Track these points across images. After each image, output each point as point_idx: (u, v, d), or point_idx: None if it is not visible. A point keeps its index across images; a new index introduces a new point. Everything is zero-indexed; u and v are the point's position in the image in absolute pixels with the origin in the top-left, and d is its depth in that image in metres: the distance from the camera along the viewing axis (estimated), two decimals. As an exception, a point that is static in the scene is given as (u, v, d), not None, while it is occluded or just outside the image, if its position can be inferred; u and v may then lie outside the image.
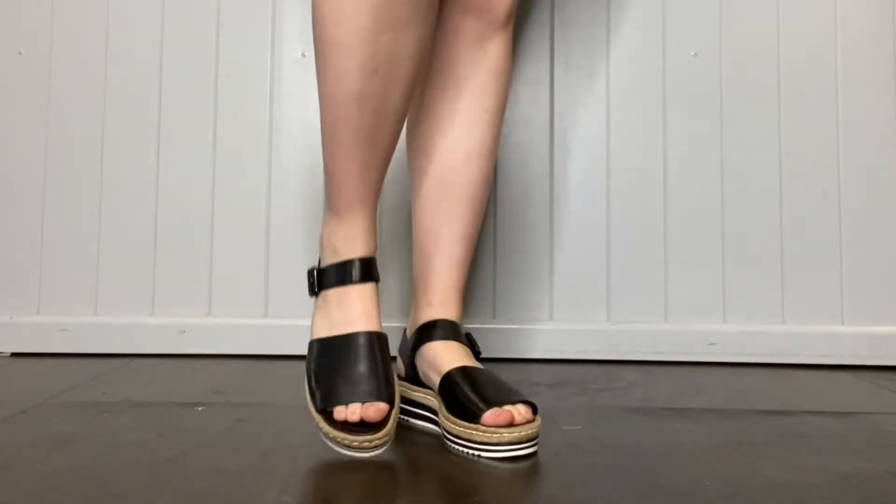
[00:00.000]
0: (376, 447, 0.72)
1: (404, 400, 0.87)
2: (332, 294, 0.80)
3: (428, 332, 0.86)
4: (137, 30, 1.33)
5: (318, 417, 0.74)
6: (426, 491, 0.67)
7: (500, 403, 0.76)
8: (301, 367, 0.81)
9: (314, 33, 0.77)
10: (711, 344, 1.27)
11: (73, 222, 1.31)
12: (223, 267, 1.31)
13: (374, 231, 0.82)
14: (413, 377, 0.88)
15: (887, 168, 1.30)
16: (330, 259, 0.81)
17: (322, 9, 0.75)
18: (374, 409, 0.72)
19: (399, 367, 0.91)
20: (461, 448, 0.76)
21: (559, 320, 1.30)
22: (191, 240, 1.31)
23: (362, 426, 0.71)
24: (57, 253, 1.31)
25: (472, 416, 0.75)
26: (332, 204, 0.81)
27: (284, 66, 1.32)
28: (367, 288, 0.80)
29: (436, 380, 0.82)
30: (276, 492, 0.65)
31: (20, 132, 1.32)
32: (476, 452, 0.75)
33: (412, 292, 0.92)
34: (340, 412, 0.73)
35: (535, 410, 0.78)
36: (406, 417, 0.88)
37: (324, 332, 0.79)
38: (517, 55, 1.32)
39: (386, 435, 0.72)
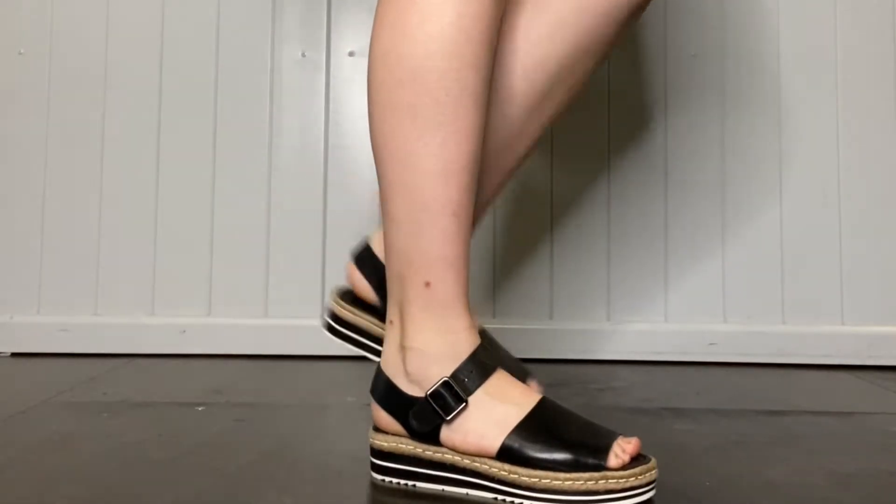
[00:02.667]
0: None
1: (350, 325, 0.82)
2: (492, 384, 0.67)
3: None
4: (137, 30, 1.32)
5: (587, 477, 0.61)
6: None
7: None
8: (301, 366, 0.80)
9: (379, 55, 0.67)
10: (711, 344, 1.27)
11: (73, 222, 1.31)
12: (223, 267, 1.31)
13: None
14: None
15: (887, 168, 1.30)
16: (460, 357, 0.67)
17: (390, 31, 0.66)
18: (629, 445, 0.64)
19: (362, 287, 0.82)
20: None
21: (559, 320, 1.30)
22: (191, 240, 1.31)
23: None
24: (57, 253, 1.31)
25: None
26: (441, 298, 0.68)
27: (284, 66, 1.32)
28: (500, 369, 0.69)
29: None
30: (276, 492, 0.65)
31: (20, 132, 1.32)
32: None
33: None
34: (613, 456, 0.63)
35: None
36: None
37: (516, 415, 0.65)
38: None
39: (653, 466, 0.64)
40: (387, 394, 0.69)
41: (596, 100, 1.32)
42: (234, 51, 1.32)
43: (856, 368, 1.24)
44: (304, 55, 1.32)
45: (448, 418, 0.65)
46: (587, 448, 0.63)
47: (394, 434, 0.69)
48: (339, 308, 0.82)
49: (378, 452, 0.69)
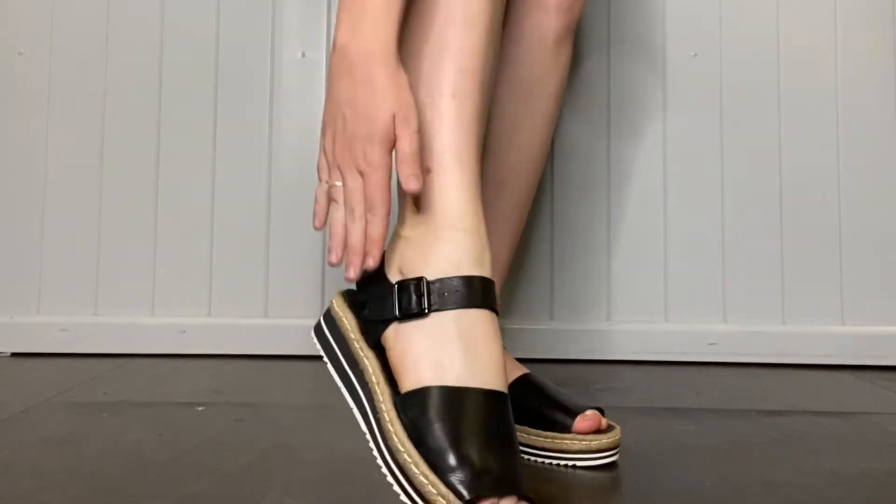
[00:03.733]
0: None
1: None
2: (453, 319, 0.58)
3: None
4: (137, 30, 1.32)
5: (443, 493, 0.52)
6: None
7: (579, 411, 0.73)
8: (301, 366, 0.81)
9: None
10: (711, 344, 1.27)
11: (73, 222, 1.31)
12: (223, 267, 1.31)
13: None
14: None
15: (887, 168, 1.30)
16: (446, 268, 0.60)
17: None
18: None
19: None
20: (549, 461, 0.73)
21: (559, 320, 1.30)
22: (191, 240, 1.31)
23: None
24: (57, 253, 1.31)
25: (560, 426, 0.72)
26: (447, 195, 0.61)
27: (284, 66, 1.32)
28: (495, 321, 0.61)
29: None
30: (276, 492, 0.65)
31: (20, 132, 1.32)
32: (571, 463, 0.72)
33: None
34: None
35: (603, 414, 0.75)
36: None
37: (445, 377, 0.57)
38: (517, 55, 1.32)
39: None
40: (367, 279, 0.63)
41: (596, 100, 1.32)
42: (234, 51, 1.32)
43: (856, 368, 1.24)
44: (304, 55, 1.32)
45: (399, 316, 0.59)
46: (471, 468, 0.53)
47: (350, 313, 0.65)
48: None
49: (327, 313, 0.66)
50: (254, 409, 0.94)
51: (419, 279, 0.59)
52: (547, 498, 0.66)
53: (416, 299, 0.59)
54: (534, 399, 0.75)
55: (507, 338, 1.28)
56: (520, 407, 0.75)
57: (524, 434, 0.74)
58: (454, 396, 0.56)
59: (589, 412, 0.73)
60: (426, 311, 0.58)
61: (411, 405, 0.56)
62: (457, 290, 0.59)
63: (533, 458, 0.74)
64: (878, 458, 0.77)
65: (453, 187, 0.61)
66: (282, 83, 1.32)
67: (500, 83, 0.85)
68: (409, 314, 0.59)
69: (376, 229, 0.59)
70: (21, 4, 1.33)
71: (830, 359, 1.26)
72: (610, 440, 0.72)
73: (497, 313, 0.61)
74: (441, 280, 0.59)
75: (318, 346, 0.66)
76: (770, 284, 1.29)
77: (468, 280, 0.59)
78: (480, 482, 0.52)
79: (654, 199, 1.31)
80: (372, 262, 0.59)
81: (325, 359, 0.66)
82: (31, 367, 1.21)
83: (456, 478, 0.52)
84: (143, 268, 1.31)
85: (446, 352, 0.57)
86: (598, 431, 0.73)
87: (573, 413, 0.73)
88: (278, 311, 1.30)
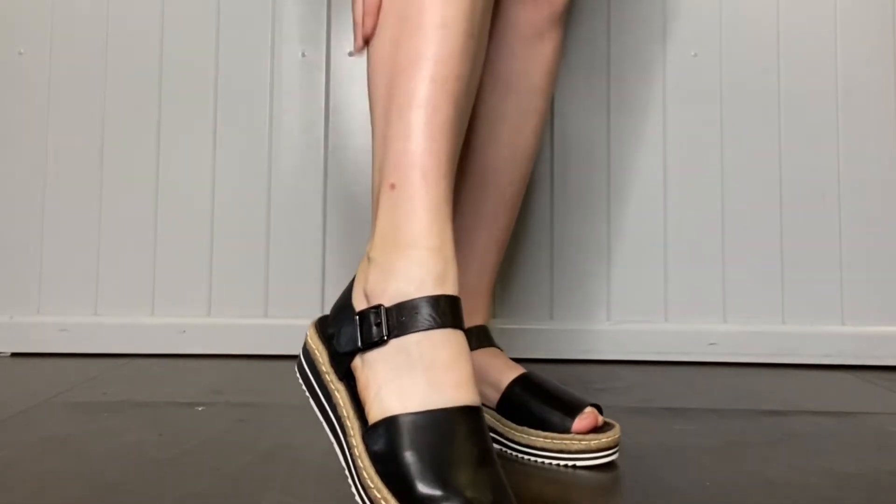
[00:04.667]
0: None
1: None
2: (416, 343, 0.56)
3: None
4: (137, 30, 1.32)
5: None
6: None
7: (578, 409, 0.73)
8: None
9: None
10: (711, 344, 1.27)
11: (72, 222, 1.31)
12: (223, 267, 1.31)
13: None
14: None
15: (887, 168, 1.30)
16: (407, 290, 0.57)
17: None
18: None
19: None
20: (549, 461, 0.73)
21: (559, 320, 1.30)
22: (191, 240, 1.31)
23: None
24: (57, 253, 1.31)
25: (558, 426, 0.73)
26: (409, 207, 0.59)
27: (284, 66, 1.32)
28: (462, 338, 0.58)
29: (490, 393, 0.78)
30: (276, 492, 0.65)
31: (20, 132, 1.32)
32: (571, 463, 0.72)
33: None
34: None
35: (600, 411, 0.75)
36: None
37: (410, 401, 0.54)
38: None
39: None
40: (338, 307, 0.62)
41: (596, 99, 1.32)
42: (234, 51, 1.32)
43: (856, 368, 1.24)
44: (304, 55, 1.32)
45: (361, 347, 0.57)
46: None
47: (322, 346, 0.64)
48: None
49: (304, 346, 0.65)
50: (254, 409, 0.94)
51: (378, 307, 0.57)
52: (547, 498, 0.66)
53: (375, 329, 0.57)
54: (531, 399, 0.75)
55: (507, 338, 1.28)
56: (518, 407, 0.75)
57: (523, 434, 0.74)
58: (419, 423, 0.53)
59: (587, 410, 0.73)
60: (385, 338, 0.56)
61: (378, 437, 0.54)
62: (417, 313, 0.56)
63: (533, 459, 0.74)
64: (878, 458, 0.77)
65: (417, 205, 0.58)
66: (282, 83, 1.32)
67: (481, 78, 0.81)
68: (370, 344, 0.57)
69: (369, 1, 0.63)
70: (21, 4, 1.33)
71: (830, 359, 1.26)
72: (609, 439, 0.72)
73: (463, 329, 0.58)
74: (400, 305, 0.57)
75: (301, 383, 0.65)
76: (770, 284, 1.29)
77: (429, 301, 0.56)
78: None
79: (654, 200, 1.31)
80: (364, 32, 0.64)
81: (307, 395, 0.64)
82: (31, 367, 1.21)
83: None
84: (143, 268, 1.31)
85: (409, 377, 0.55)
86: (596, 430, 0.73)
87: (572, 412, 0.73)
88: (278, 311, 1.30)
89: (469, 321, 0.81)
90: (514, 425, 0.76)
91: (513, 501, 0.52)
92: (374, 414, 0.55)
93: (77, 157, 1.32)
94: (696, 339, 1.28)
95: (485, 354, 0.80)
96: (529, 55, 0.83)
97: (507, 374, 0.78)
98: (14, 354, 1.29)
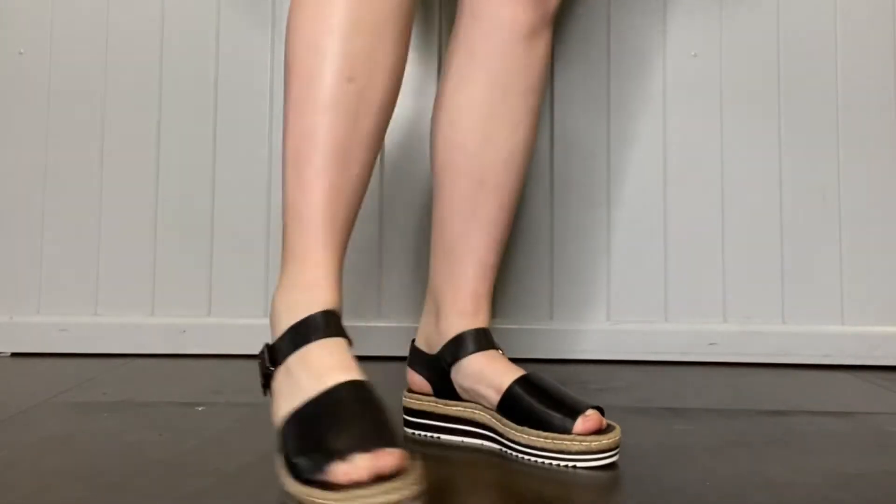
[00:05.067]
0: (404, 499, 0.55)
1: (437, 416, 0.83)
2: (293, 360, 0.64)
3: (464, 343, 0.81)
4: (137, 30, 1.32)
5: (306, 493, 0.56)
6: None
7: (579, 411, 0.73)
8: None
9: (286, 36, 0.73)
10: (711, 344, 1.27)
11: (72, 222, 1.31)
12: (223, 267, 1.31)
13: (340, 281, 0.69)
14: (444, 391, 0.83)
15: (887, 168, 1.30)
16: (285, 323, 0.66)
17: (295, 9, 0.72)
18: (388, 457, 0.55)
19: (415, 381, 0.86)
20: (550, 461, 0.73)
21: (559, 320, 1.30)
22: (191, 240, 1.31)
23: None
24: (57, 253, 1.31)
25: (559, 427, 0.73)
26: (290, 250, 0.70)
27: (284, 66, 1.32)
28: (338, 342, 0.66)
29: (491, 395, 0.78)
30: (276, 492, 0.65)
31: (20, 132, 1.32)
32: (571, 464, 0.72)
33: (431, 299, 0.86)
34: (342, 471, 0.55)
35: (602, 413, 0.75)
36: (437, 435, 0.83)
37: (295, 402, 0.62)
38: (517, 55, 1.32)
39: (415, 484, 0.56)
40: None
41: (596, 99, 1.32)
42: (234, 51, 1.32)
43: (856, 368, 1.24)
44: (304, 55, 1.32)
45: (264, 384, 0.67)
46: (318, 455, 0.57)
47: None
48: (407, 399, 0.86)
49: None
50: (254, 409, 0.94)
51: (266, 346, 0.68)
52: (547, 498, 0.66)
53: (262, 368, 0.67)
54: (532, 400, 0.75)
55: (506, 338, 1.28)
56: (518, 408, 0.75)
57: (524, 434, 0.74)
58: (301, 412, 0.61)
59: (589, 412, 0.73)
60: (271, 369, 0.66)
61: (281, 443, 0.62)
62: (287, 341, 0.66)
63: (532, 459, 0.74)
64: (878, 458, 0.77)
65: (302, 248, 0.70)
66: (282, 83, 1.32)
67: (475, 79, 0.84)
68: (267, 380, 0.66)
69: None
70: (21, 4, 1.33)
71: (830, 359, 1.26)
72: (610, 441, 0.72)
73: (346, 337, 0.67)
74: (278, 339, 0.67)
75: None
76: (770, 284, 1.29)
77: (294, 328, 0.66)
78: (329, 466, 0.56)
79: (654, 200, 1.30)
80: None
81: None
82: (31, 367, 1.21)
83: (317, 476, 0.56)
84: (143, 268, 1.31)
85: (291, 386, 0.64)
86: (598, 432, 0.72)
87: (573, 413, 0.73)
88: (278, 311, 1.30)
89: (471, 323, 0.83)
90: (514, 425, 0.76)
91: (395, 443, 0.57)
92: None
93: (77, 157, 1.32)
94: (696, 339, 1.28)
95: (485, 357, 0.81)
96: (525, 55, 0.84)
97: (508, 375, 0.78)
98: (14, 354, 1.29)
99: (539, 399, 0.75)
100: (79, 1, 1.33)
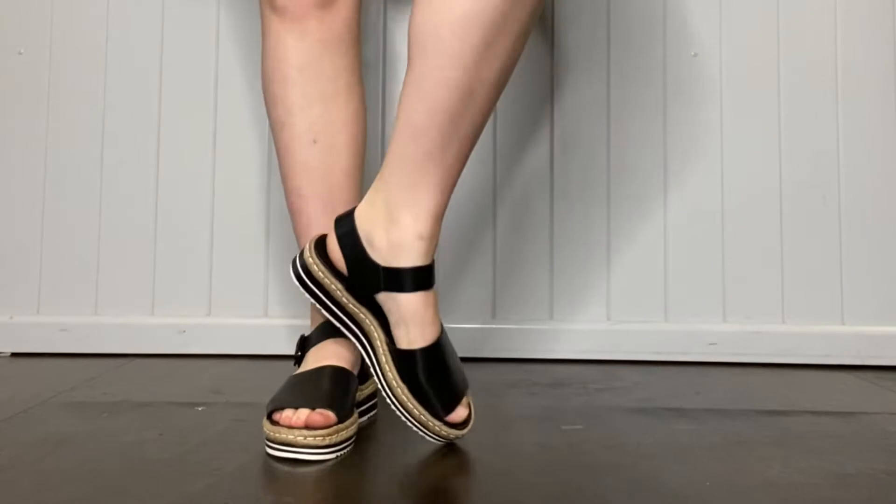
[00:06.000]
0: (319, 447, 0.73)
1: (333, 301, 0.81)
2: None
3: (406, 280, 0.77)
4: (137, 30, 1.32)
5: (264, 422, 0.77)
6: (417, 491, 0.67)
7: (459, 397, 0.78)
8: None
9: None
10: (711, 344, 1.27)
11: (73, 222, 1.31)
12: (223, 267, 1.31)
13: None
14: (352, 287, 0.80)
15: (887, 169, 1.30)
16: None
17: (264, 94, 0.90)
18: (321, 417, 0.74)
19: (336, 256, 0.81)
20: (411, 425, 0.77)
21: (559, 320, 1.30)
22: (191, 240, 1.31)
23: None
24: (57, 253, 1.31)
25: (434, 409, 0.77)
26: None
27: (284, 66, 1.32)
28: (341, 341, 0.83)
29: (400, 336, 0.78)
30: (276, 492, 0.65)
31: (20, 132, 1.32)
32: (424, 436, 0.77)
33: (383, 196, 0.79)
34: (286, 416, 0.75)
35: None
36: (320, 307, 0.82)
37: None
38: (517, 55, 1.32)
39: (332, 434, 0.74)
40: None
41: (596, 99, 1.32)
42: (234, 50, 1.32)
43: (856, 368, 1.24)
44: (304, 55, 1.32)
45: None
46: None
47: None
48: (315, 267, 0.82)
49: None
50: (254, 409, 0.94)
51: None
52: (546, 497, 0.66)
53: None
54: (428, 374, 0.77)
55: (506, 337, 1.28)
56: (410, 373, 0.77)
57: (403, 396, 0.77)
58: (291, 378, 0.83)
59: (463, 402, 0.79)
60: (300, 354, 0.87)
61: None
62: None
63: (395, 410, 0.78)
64: (878, 458, 0.77)
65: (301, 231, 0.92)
66: (282, 83, 1.32)
67: None
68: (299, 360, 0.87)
69: None
70: (21, 4, 1.33)
71: (830, 359, 1.26)
72: (464, 432, 0.79)
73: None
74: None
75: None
76: (770, 284, 1.29)
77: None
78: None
79: (654, 200, 1.31)
80: None
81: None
82: (31, 367, 1.21)
83: (272, 414, 0.77)
84: (143, 268, 1.31)
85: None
86: (466, 422, 0.79)
87: (453, 402, 0.78)
88: (278, 311, 1.30)
89: (425, 252, 0.78)
90: (396, 377, 0.77)
91: (333, 410, 0.77)
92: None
93: (77, 157, 1.32)
94: (696, 339, 1.28)
95: (422, 300, 0.78)
96: None
97: (425, 332, 0.78)
98: (14, 354, 1.29)
99: (429, 375, 0.77)
100: (79, 1, 1.33)
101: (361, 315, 0.79)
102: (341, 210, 0.85)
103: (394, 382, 0.77)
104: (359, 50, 0.92)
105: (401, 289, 0.77)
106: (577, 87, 1.32)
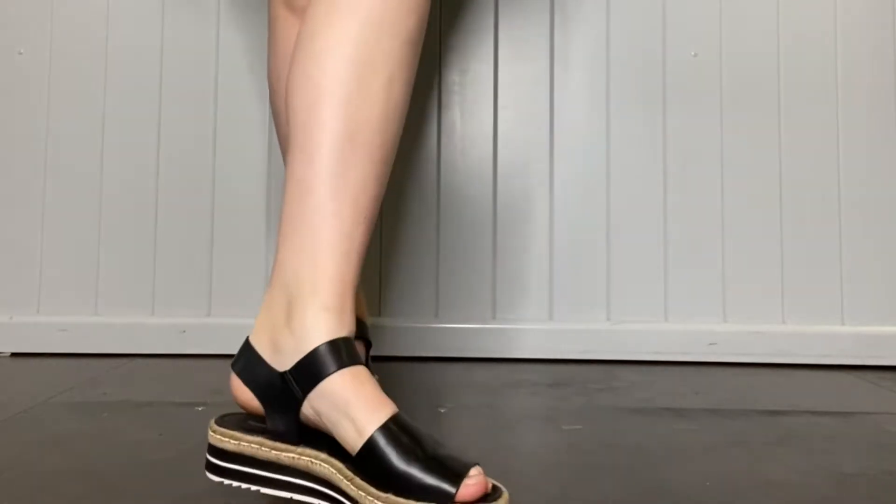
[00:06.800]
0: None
1: (259, 463, 0.62)
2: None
3: (323, 361, 0.61)
4: (137, 30, 1.32)
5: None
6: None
7: (461, 473, 0.55)
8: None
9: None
10: (711, 344, 1.27)
11: (72, 222, 1.31)
12: (223, 267, 1.31)
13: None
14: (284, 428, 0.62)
15: (887, 169, 1.30)
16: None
17: (270, 91, 0.86)
18: None
19: (243, 397, 0.65)
20: None
21: (559, 320, 1.30)
22: (191, 239, 1.31)
23: None
24: (57, 253, 1.31)
25: (435, 494, 0.54)
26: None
27: (284, 66, 1.32)
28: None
29: (351, 435, 0.58)
30: (276, 492, 0.65)
31: (20, 132, 1.32)
32: None
33: (279, 285, 0.65)
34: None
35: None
36: (255, 486, 0.62)
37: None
38: (518, 55, 1.32)
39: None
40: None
41: (596, 99, 1.32)
42: (234, 50, 1.32)
43: (856, 368, 1.24)
44: (304, 55, 1.32)
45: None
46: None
47: None
48: (220, 436, 0.64)
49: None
50: (254, 409, 0.94)
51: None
52: (546, 497, 0.66)
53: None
54: (399, 456, 0.56)
55: (506, 338, 1.28)
56: (381, 465, 0.57)
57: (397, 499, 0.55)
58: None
59: (473, 472, 0.55)
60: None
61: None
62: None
63: None
64: (878, 458, 0.77)
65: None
66: (282, 83, 1.32)
67: (343, 17, 0.68)
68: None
69: None
70: (21, 4, 1.33)
71: (830, 359, 1.26)
72: None
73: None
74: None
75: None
76: (770, 284, 1.29)
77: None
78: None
79: (654, 200, 1.31)
80: None
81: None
82: (31, 367, 1.21)
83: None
84: (143, 268, 1.31)
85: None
86: (484, 498, 0.55)
87: (454, 476, 0.55)
88: (278, 311, 1.30)
89: (336, 325, 0.63)
90: (373, 490, 0.56)
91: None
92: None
93: (77, 157, 1.32)
94: (696, 339, 1.28)
95: (352, 378, 0.61)
96: None
97: (376, 413, 0.59)
98: (14, 354, 1.29)
99: (407, 455, 0.56)
100: (79, 1, 1.33)
101: (305, 459, 0.60)
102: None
103: (378, 494, 0.55)
104: None
105: (319, 374, 0.60)
106: (577, 86, 1.32)
